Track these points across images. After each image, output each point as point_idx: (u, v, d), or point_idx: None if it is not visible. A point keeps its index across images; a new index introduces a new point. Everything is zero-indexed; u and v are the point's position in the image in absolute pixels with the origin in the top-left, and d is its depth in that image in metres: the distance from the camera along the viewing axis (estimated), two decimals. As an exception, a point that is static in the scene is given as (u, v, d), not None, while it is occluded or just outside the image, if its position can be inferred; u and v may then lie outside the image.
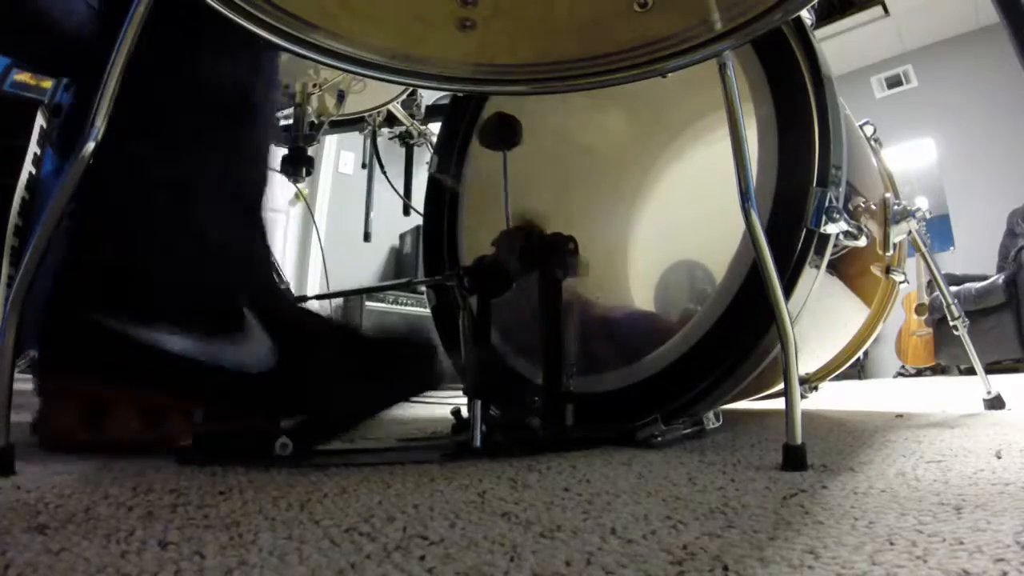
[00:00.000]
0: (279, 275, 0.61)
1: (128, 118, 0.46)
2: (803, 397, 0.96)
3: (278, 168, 1.17)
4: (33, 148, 1.35)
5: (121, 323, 0.48)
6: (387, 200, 1.68)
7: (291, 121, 1.21)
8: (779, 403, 0.59)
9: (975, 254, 3.60)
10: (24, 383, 0.49)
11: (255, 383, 0.51)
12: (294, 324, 0.56)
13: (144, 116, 0.52)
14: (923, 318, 3.35)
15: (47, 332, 0.49)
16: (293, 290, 0.61)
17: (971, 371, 1.56)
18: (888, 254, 0.82)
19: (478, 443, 0.54)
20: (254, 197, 0.59)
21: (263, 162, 0.61)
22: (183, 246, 0.53)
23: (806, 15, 0.64)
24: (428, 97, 1.53)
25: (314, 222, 2.79)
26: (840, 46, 4.15)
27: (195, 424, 0.49)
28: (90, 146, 0.43)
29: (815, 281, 0.61)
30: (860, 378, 3.64)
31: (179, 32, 0.52)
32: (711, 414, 0.62)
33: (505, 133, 0.80)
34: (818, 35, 0.68)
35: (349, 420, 0.55)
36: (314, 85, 1.27)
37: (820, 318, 0.76)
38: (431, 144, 1.50)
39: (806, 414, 0.94)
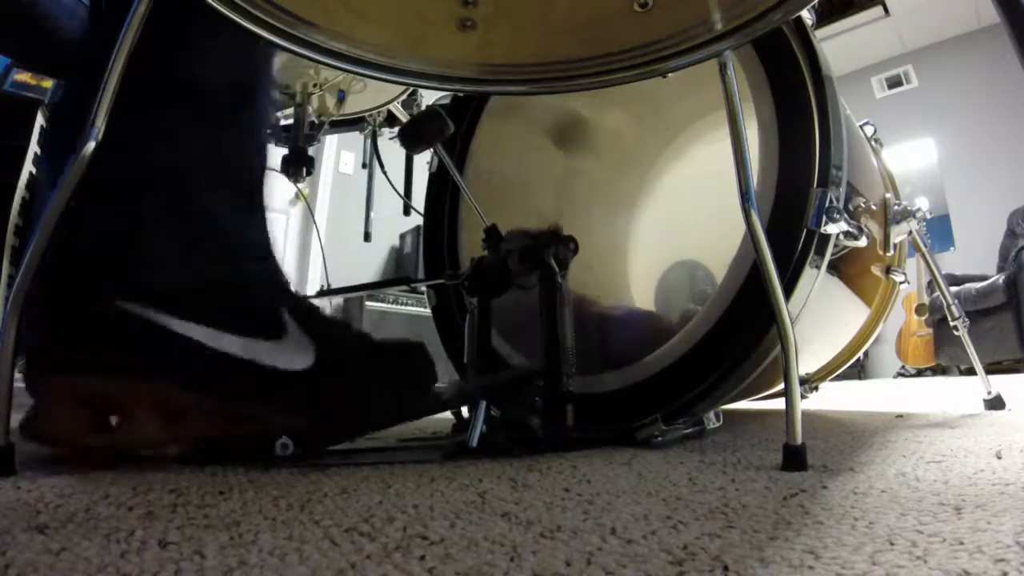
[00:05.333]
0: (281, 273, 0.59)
1: (127, 108, 0.44)
2: (803, 397, 0.96)
3: (278, 168, 1.16)
4: (33, 148, 1.35)
5: (140, 309, 0.44)
6: (387, 200, 1.68)
7: (291, 121, 1.21)
8: (779, 403, 0.59)
9: (975, 254, 3.61)
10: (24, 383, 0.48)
11: (291, 384, 0.48)
12: (324, 326, 0.54)
13: (142, 105, 0.49)
14: (923, 318, 3.34)
15: (48, 317, 0.44)
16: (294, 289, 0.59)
17: (971, 371, 1.56)
18: (888, 254, 0.82)
19: (474, 443, 0.54)
20: (253, 186, 0.57)
21: (262, 153, 0.59)
22: (194, 234, 0.50)
23: (806, 15, 0.65)
24: (428, 97, 1.53)
25: (314, 222, 2.79)
26: (840, 46, 4.15)
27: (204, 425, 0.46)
28: (90, 146, 0.43)
29: (815, 281, 0.61)
30: (860, 378, 3.65)
31: (170, 21, 0.49)
32: (711, 414, 0.62)
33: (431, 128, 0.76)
34: (818, 35, 0.68)
35: (369, 425, 0.54)
36: (314, 85, 1.27)
37: (820, 318, 0.76)
38: (431, 144, 1.50)
39: (806, 414, 0.94)
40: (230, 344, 0.47)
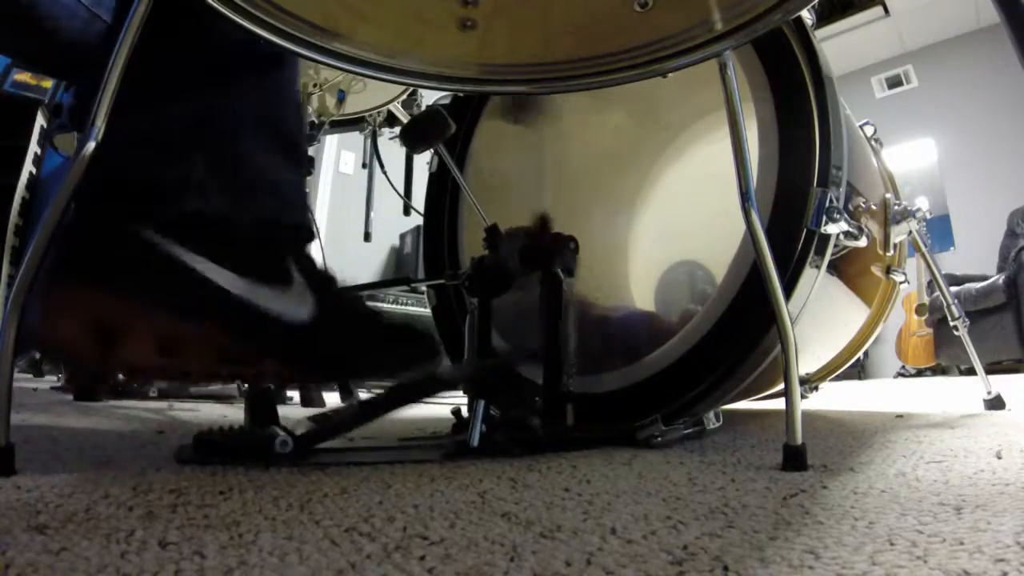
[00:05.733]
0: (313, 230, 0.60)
1: (176, 60, 0.47)
2: (803, 397, 0.96)
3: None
4: (33, 148, 1.35)
5: (157, 238, 0.45)
6: (387, 200, 1.68)
7: (291, 121, 1.21)
8: (779, 403, 0.59)
9: (975, 254, 3.61)
10: (24, 382, 0.48)
11: (293, 335, 0.49)
12: (331, 287, 0.55)
13: (188, 59, 0.52)
14: (923, 318, 3.35)
15: (73, 232, 0.44)
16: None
17: (971, 371, 1.56)
18: (888, 254, 0.82)
19: (475, 443, 0.54)
20: (295, 139, 0.59)
21: (297, 106, 0.61)
22: (229, 176, 0.52)
23: (806, 15, 0.64)
24: (428, 97, 1.53)
25: (314, 222, 2.78)
26: (840, 46, 4.15)
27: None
28: (90, 146, 0.42)
29: (815, 281, 0.61)
30: (860, 378, 3.64)
31: None
32: (711, 414, 0.62)
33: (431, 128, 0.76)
34: (818, 35, 0.68)
35: (362, 417, 0.54)
36: (314, 85, 1.27)
37: (820, 318, 0.76)
38: (431, 144, 1.50)
39: (806, 414, 0.94)
40: (235, 284, 0.47)
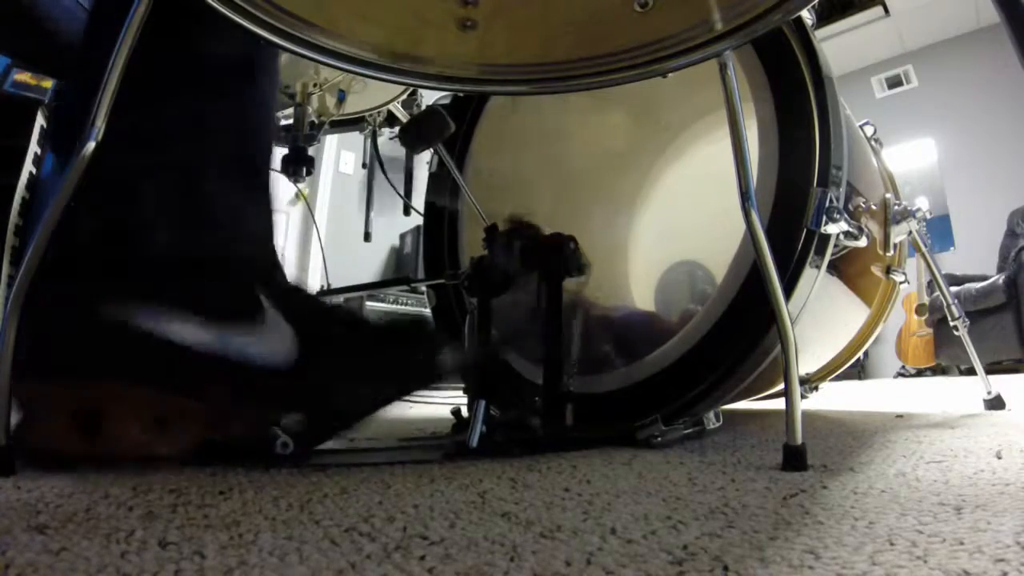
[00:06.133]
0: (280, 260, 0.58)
1: (125, 96, 0.43)
2: (803, 397, 0.96)
3: (278, 167, 1.16)
4: (33, 148, 1.35)
5: (119, 313, 0.44)
6: (387, 200, 1.68)
7: (291, 121, 1.21)
8: (779, 403, 0.59)
9: (975, 254, 3.61)
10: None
11: (276, 378, 0.48)
12: (310, 314, 0.54)
13: (140, 93, 0.47)
14: (923, 318, 3.34)
15: (33, 327, 0.43)
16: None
17: (971, 371, 1.55)
18: (888, 254, 0.82)
19: (475, 443, 0.54)
20: (257, 173, 0.56)
21: (266, 135, 0.58)
22: (184, 226, 0.49)
23: (806, 15, 0.64)
24: (428, 97, 1.53)
25: (314, 222, 2.79)
26: (840, 46, 4.15)
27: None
28: (90, 146, 0.42)
29: (815, 281, 0.61)
30: (860, 378, 3.64)
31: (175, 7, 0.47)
32: (711, 414, 0.62)
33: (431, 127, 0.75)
34: (818, 35, 0.68)
35: (357, 416, 0.54)
36: (314, 85, 1.27)
37: (820, 318, 0.76)
38: (431, 144, 1.49)
39: (806, 414, 0.94)
40: (203, 337, 0.46)
